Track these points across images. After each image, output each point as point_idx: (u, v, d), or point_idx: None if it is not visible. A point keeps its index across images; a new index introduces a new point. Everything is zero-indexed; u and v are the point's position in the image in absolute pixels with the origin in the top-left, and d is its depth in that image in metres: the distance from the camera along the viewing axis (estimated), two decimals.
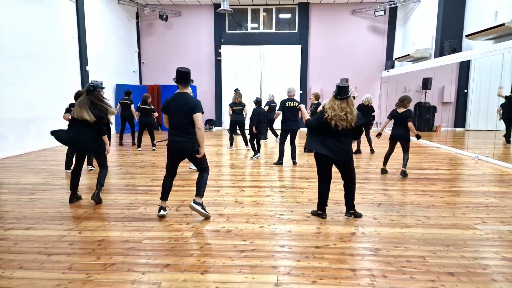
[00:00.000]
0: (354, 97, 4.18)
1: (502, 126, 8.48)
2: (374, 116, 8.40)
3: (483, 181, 5.75)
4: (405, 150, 5.95)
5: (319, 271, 2.72)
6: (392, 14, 14.27)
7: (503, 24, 7.33)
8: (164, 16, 14.06)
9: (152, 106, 9.01)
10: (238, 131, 9.17)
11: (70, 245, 3.21)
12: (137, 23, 14.87)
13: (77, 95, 5.58)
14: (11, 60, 8.16)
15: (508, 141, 8.61)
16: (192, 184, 5.46)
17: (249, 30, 15.06)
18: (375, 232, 3.53)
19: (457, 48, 9.77)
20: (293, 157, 7.04)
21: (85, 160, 6.26)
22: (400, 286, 2.50)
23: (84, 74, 10.83)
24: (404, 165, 5.96)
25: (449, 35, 10.27)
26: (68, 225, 3.71)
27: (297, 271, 2.72)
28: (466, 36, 9.11)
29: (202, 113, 3.74)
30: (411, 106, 6.22)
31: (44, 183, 5.56)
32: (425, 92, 12.26)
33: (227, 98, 13.92)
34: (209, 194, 4.86)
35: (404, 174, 5.93)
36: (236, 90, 8.87)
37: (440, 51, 10.47)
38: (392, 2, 13.58)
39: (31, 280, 2.61)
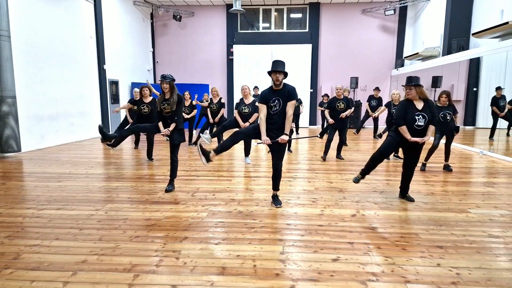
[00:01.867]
0: None
1: (504, 123, 8.64)
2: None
3: (483, 173, 5.96)
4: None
5: (320, 244, 3.04)
6: (402, 13, 14.40)
7: (507, 23, 7.48)
8: (178, 16, 14.50)
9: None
10: None
11: (98, 222, 3.61)
12: (152, 24, 15.37)
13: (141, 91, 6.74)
14: (40, 60, 8.73)
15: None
16: (205, 173, 5.86)
17: (261, 30, 15.40)
18: (375, 214, 3.82)
19: (464, 46, 9.91)
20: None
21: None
22: (392, 255, 2.80)
23: (101, 72, 11.35)
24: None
25: (457, 34, 10.41)
26: (95, 207, 4.11)
27: (301, 243, 3.05)
28: (473, 34, 9.25)
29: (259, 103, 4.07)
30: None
31: (69, 172, 6.00)
32: (435, 91, 12.38)
33: (239, 97, 14.28)
34: (222, 183, 5.23)
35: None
36: (256, 88, 9.39)
37: (448, 50, 10.62)
38: (402, 2, 13.73)
39: (67, 248, 3.00)
